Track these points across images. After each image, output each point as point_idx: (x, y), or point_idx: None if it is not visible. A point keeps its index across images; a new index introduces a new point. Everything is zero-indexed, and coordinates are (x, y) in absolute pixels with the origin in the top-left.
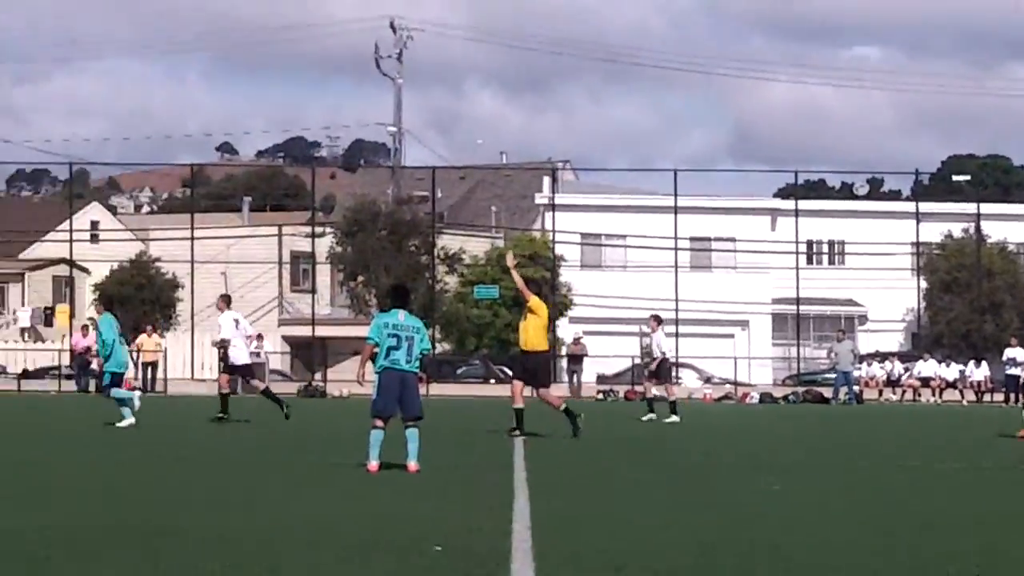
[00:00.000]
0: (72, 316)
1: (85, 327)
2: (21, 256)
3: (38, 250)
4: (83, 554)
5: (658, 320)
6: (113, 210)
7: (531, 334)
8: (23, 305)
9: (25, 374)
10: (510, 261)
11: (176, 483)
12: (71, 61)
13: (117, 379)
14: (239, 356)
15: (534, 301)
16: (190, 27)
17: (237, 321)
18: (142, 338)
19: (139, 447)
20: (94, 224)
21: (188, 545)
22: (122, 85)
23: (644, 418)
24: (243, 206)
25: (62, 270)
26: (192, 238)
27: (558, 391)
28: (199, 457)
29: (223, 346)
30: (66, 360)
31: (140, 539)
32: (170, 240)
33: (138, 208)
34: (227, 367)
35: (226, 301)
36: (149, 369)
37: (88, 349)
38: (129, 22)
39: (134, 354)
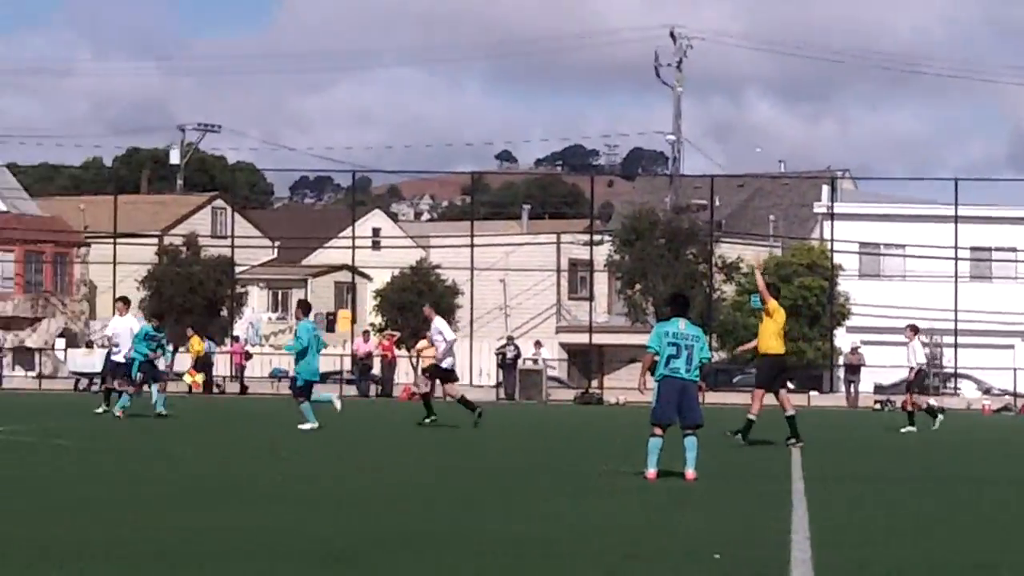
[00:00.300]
0: (354, 321)
1: (366, 332)
2: (304, 262)
3: (321, 256)
4: (389, 554)
5: (915, 330)
6: (394, 217)
7: (765, 337)
8: None
9: None
10: (755, 263)
11: (459, 487)
12: (355, 71)
13: (308, 387)
14: (447, 360)
15: (772, 304)
16: (471, 36)
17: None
18: (422, 343)
19: (419, 451)
20: (376, 231)
21: (472, 548)
22: (404, 94)
23: (934, 427)
24: (522, 214)
25: (344, 276)
26: (472, 245)
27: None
28: (475, 463)
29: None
30: (347, 365)
31: (421, 544)
32: (450, 247)
33: (418, 215)
34: (436, 370)
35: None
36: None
37: (369, 355)
38: (411, 32)
39: (413, 359)
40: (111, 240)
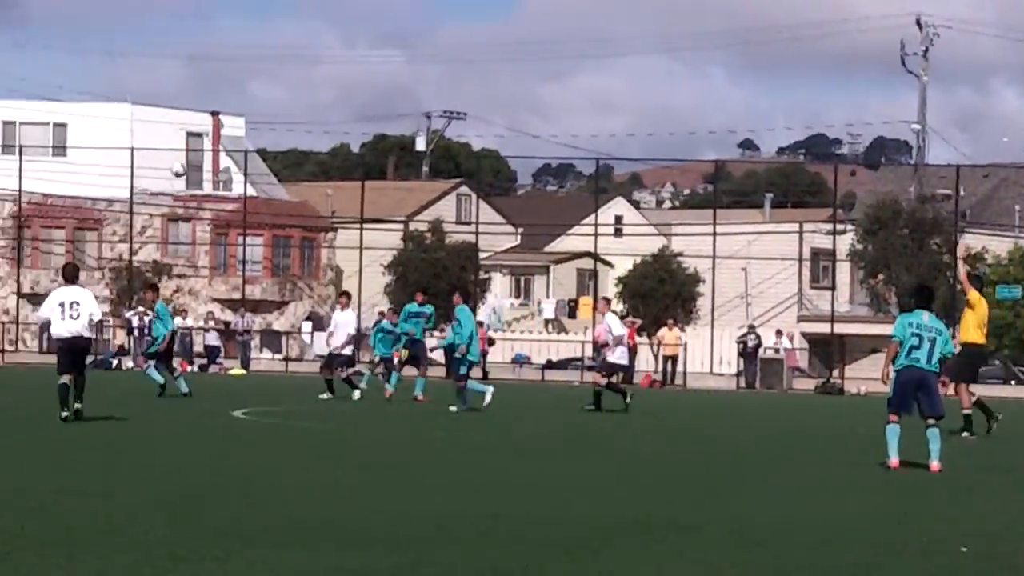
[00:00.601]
0: (595, 309)
1: None
2: (547, 249)
3: (563, 243)
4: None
5: None
6: (636, 205)
7: (967, 328)
8: (548, 297)
9: (549, 364)
10: (961, 252)
11: (687, 476)
12: (598, 58)
13: (469, 369)
14: (620, 356)
15: (972, 295)
16: (715, 24)
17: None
18: (663, 331)
19: (652, 437)
20: (618, 219)
21: (702, 539)
22: (647, 82)
23: None
24: (764, 202)
25: (586, 263)
26: (714, 234)
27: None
28: (716, 450)
29: (617, 343)
30: (588, 352)
31: (671, 530)
32: (691, 235)
33: (660, 203)
34: (607, 364)
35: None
36: (669, 363)
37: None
38: (655, 20)
39: (654, 347)
40: (357, 225)
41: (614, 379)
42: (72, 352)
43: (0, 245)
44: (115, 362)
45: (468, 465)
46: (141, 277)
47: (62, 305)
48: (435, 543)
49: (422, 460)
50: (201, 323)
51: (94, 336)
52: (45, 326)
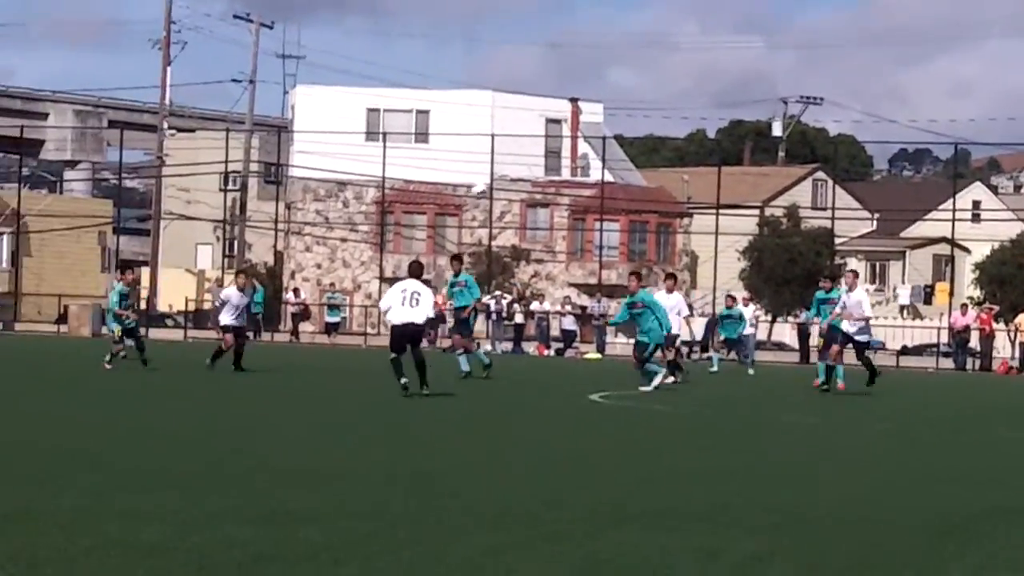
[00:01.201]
0: (951, 294)
1: (964, 305)
2: (902, 234)
3: (919, 229)
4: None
5: None
6: (994, 190)
7: None
8: (903, 283)
9: (904, 351)
10: None
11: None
12: (955, 42)
13: (653, 350)
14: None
15: None
16: None
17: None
18: (1020, 318)
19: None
20: (975, 204)
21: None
22: (1008, 66)
23: None
24: None
25: (942, 249)
26: None
27: None
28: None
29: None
30: (944, 338)
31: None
32: None
33: (1018, 188)
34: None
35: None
36: None
37: (967, 328)
38: (1014, 2)
39: (1011, 333)
40: (713, 211)
41: (867, 354)
42: (404, 336)
43: (364, 230)
44: (474, 345)
45: (835, 452)
46: (500, 262)
47: (404, 292)
48: (787, 529)
49: (781, 445)
50: (558, 307)
51: (426, 326)
52: (386, 312)
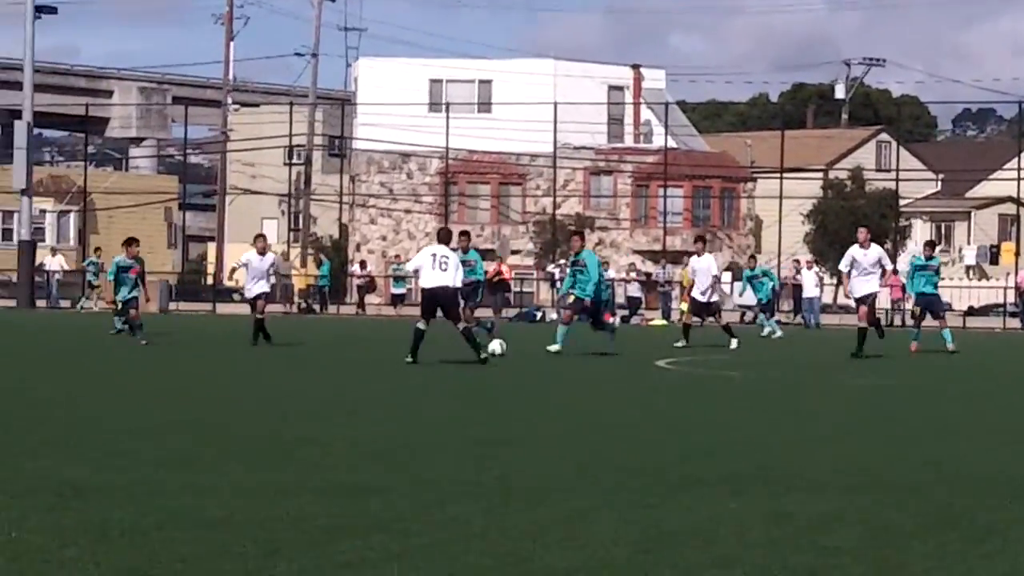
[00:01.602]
0: (1017, 254)
1: None
2: (967, 195)
3: (985, 188)
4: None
5: None
6: None
7: None
8: (968, 243)
9: (970, 311)
10: None
11: None
12: (1020, 1)
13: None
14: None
15: None
16: None
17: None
18: None
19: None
20: None
21: None
22: None
23: None
24: None
25: (1008, 208)
26: None
27: None
28: None
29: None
30: (1011, 298)
31: None
32: None
33: None
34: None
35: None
36: None
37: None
38: None
39: None
40: (777, 175)
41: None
42: (435, 300)
43: (428, 201)
44: (539, 314)
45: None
46: (564, 230)
47: (434, 256)
48: (858, 491)
49: (850, 409)
50: (623, 275)
51: (459, 288)
52: (414, 271)
